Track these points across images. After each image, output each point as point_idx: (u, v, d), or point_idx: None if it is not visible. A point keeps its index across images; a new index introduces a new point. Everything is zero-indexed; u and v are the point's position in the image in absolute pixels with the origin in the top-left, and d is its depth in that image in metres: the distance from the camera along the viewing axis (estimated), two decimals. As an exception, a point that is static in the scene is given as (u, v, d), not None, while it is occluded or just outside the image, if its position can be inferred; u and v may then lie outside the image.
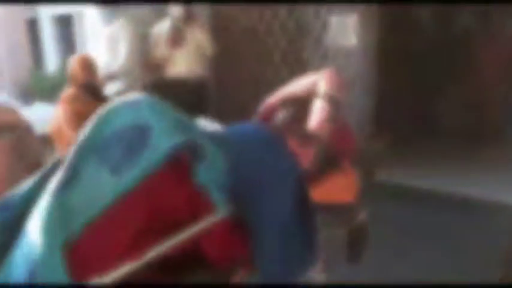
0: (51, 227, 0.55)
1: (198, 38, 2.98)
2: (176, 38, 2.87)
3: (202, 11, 3.58)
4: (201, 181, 0.63)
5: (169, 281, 0.60)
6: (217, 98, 3.83)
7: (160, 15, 3.03)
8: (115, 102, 0.67)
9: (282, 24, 3.05)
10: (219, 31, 3.55)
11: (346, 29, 3.33)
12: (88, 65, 2.48)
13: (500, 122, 4.09)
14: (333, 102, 1.15)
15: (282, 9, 3.01)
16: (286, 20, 3.01)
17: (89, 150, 0.63)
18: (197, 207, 0.62)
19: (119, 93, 2.81)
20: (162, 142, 0.63)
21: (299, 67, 3.01)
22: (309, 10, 2.89)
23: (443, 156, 3.41)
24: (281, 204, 0.77)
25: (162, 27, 2.93)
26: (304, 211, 0.83)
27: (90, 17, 4.02)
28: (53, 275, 0.54)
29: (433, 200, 2.77)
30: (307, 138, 1.08)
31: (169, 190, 0.62)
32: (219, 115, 3.78)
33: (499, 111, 4.13)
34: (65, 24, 5.93)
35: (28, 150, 2.19)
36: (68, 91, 2.42)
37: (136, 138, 0.63)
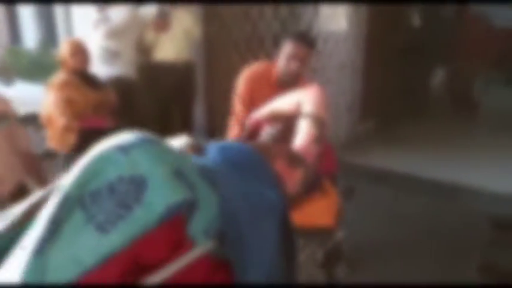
0: (30, 284, 0.50)
1: (185, 22, 2.95)
2: (162, 22, 2.84)
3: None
4: (192, 232, 0.60)
5: None
6: (208, 82, 3.82)
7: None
8: (105, 147, 0.60)
9: (275, 9, 3.04)
10: (210, 15, 3.51)
11: (336, 15, 3.35)
12: (80, 50, 2.43)
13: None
14: (318, 122, 1.15)
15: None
16: (279, 4, 3.00)
17: (75, 202, 0.55)
18: (178, 247, 0.59)
19: (114, 77, 2.77)
20: (158, 199, 0.56)
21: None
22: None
23: (427, 140, 3.55)
24: (267, 239, 0.76)
25: (148, 11, 2.88)
26: (287, 240, 0.82)
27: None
28: None
29: (413, 183, 2.86)
30: (295, 159, 1.05)
31: (157, 243, 0.57)
32: (209, 100, 3.79)
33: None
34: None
35: (18, 138, 2.18)
36: (59, 76, 2.38)
37: (129, 192, 0.56)
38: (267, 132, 1.32)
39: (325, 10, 3.20)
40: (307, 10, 2.97)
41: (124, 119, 2.51)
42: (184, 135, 0.86)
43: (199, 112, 3.89)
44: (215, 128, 3.84)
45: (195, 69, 3.12)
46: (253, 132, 1.39)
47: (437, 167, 2.91)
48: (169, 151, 0.64)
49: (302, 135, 1.13)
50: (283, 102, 1.30)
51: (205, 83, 3.84)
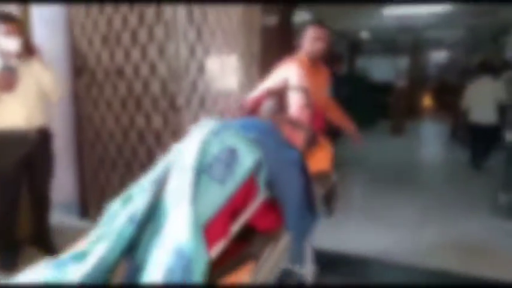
0: (195, 227, 0.92)
1: (40, 79, 2.35)
2: (6, 80, 2.19)
3: (63, 48, 2.95)
4: (259, 181, 1.17)
5: (241, 248, 1.14)
6: (78, 149, 3.16)
7: None
8: (202, 133, 1.15)
9: (152, 66, 2.63)
10: (81, 70, 2.96)
11: (225, 71, 3.09)
12: None
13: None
14: (304, 90, 1.57)
15: (152, 49, 2.59)
16: (157, 60, 2.60)
17: (200, 171, 1.03)
18: (252, 195, 1.16)
19: None
20: (246, 159, 1.12)
21: (173, 114, 2.60)
22: (183, 50, 2.54)
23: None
24: (294, 184, 1.26)
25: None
26: (308, 185, 1.31)
27: None
28: (201, 257, 0.90)
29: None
30: (296, 124, 1.48)
31: (246, 189, 1.12)
32: (81, 171, 3.06)
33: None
34: None
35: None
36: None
37: (229, 158, 1.08)
38: (266, 106, 1.65)
39: (212, 65, 2.93)
40: (190, 67, 2.62)
41: None
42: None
43: (68, 186, 3.15)
44: (88, 204, 3.12)
45: (52, 137, 2.47)
46: (253, 108, 1.70)
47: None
48: (237, 129, 1.23)
49: (294, 103, 1.56)
50: (273, 81, 1.72)
51: (75, 150, 3.17)
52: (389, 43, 9.73)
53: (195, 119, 2.63)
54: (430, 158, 6.62)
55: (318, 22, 2.28)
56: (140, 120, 2.71)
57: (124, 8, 2.63)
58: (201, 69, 2.71)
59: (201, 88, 2.71)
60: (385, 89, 9.19)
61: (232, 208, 1.09)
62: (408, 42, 9.76)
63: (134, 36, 2.63)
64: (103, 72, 2.83)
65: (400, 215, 3.62)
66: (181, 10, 2.48)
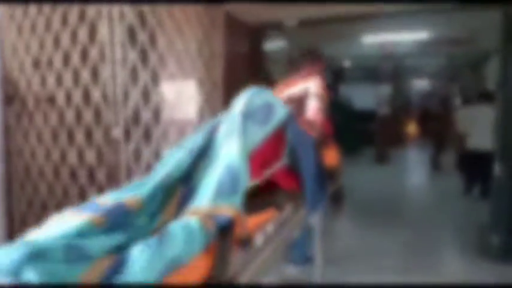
0: (243, 152, 1.15)
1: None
2: None
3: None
4: (288, 136, 1.46)
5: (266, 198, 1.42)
6: (9, 188, 2.72)
7: None
8: (247, 94, 1.36)
9: (85, 94, 2.26)
10: (12, 98, 2.57)
11: (179, 99, 2.74)
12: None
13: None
14: (321, 98, 2.03)
15: (85, 71, 2.23)
16: (90, 85, 2.23)
17: (245, 117, 1.25)
18: (281, 152, 1.46)
19: None
20: (279, 113, 1.36)
21: (108, 148, 2.21)
22: (121, 74, 2.18)
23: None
24: (310, 158, 1.54)
25: None
26: (320, 165, 1.64)
27: None
28: (246, 175, 1.10)
29: None
30: (311, 124, 1.84)
31: (277, 141, 1.40)
32: (11, 212, 2.59)
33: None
34: None
35: None
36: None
37: (268, 109, 1.33)
38: None
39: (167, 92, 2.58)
40: (132, 92, 2.26)
41: None
42: None
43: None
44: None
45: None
46: None
47: None
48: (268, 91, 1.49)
49: (311, 108, 2.00)
50: (294, 90, 2.13)
51: (4, 191, 2.72)
52: (371, 71, 9.65)
53: (135, 154, 2.25)
54: (416, 188, 6.34)
55: (313, 54, 2.42)
56: (72, 155, 2.31)
57: (56, 25, 2.28)
58: (146, 96, 2.35)
59: (146, 118, 2.33)
60: (368, 116, 9.01)
61: (264, 157, 1.36)
62: (389, 70, 9.71)
63: (67, 58, 2.27)
64: (34, 99, 2.45)
65: (386, 258, 3.27)
66: (119, 29, 2.14)
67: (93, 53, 2.17)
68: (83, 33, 2.21)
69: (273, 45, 5.31)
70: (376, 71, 9.60)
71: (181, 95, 2.73)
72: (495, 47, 6.63)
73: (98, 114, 2.20)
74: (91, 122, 2.22)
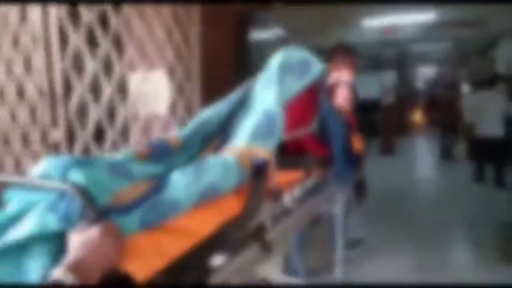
0: (280, 100, 1.22)
1: None
2: None
3: None
4: (320, 105, 1.49)
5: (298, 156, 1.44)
6: None
7: None
8: (287, 51, 1.39)
9: (19, 85, 1.87)
10: None
11: (142, 91, 2.35)
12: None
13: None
14: (351, 86, 2.23)
15: (17, 63, 1.84)
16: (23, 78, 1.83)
17: (283, 70, 1.30)
18: (312, 117, 1.47)
19: None
20: (315, 68, 1.38)
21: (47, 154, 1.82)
22: (58, 63, 1.79)
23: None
24: (339, 131, 1.55)
25: None
26: (349, 142, 1.67)
27: None
28: (281, 121, 1.16)
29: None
30: (340, 111, 1.83)
31: (311, 101, 1.44)
32: None
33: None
34: None
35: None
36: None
37: (303, 65, 1.35)
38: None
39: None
40: (76, 84, 1.86)
41: None
42: None
43: None
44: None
45: None
46: None
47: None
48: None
49: (341, 95, 2.15)
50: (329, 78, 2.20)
51: None
52: (373, 58, 9.14)
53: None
54: (427, 179, 5.92)
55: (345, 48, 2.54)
56: (9, 163, 1.93)
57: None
58: (95, 89, 1.96)
59: (95, 115, 1.94)
60: (371, 106, 8.55)
61: (296, 117, 1.35)
62: (393, 56, 9.21)
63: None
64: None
65: (397, 259, 2.95)
66: (52, 12, 1.74)
67: (25, 38, 1.78)
68: (13, 17, 1.82)
69: (269, 33, 4.88)
70: (379, 57, 9.12)
71: (145, 87, 2.34)
72: (507, 29, 6.13)
73: (33, 113, 1.81)
74: (26, 123, 1.83)
